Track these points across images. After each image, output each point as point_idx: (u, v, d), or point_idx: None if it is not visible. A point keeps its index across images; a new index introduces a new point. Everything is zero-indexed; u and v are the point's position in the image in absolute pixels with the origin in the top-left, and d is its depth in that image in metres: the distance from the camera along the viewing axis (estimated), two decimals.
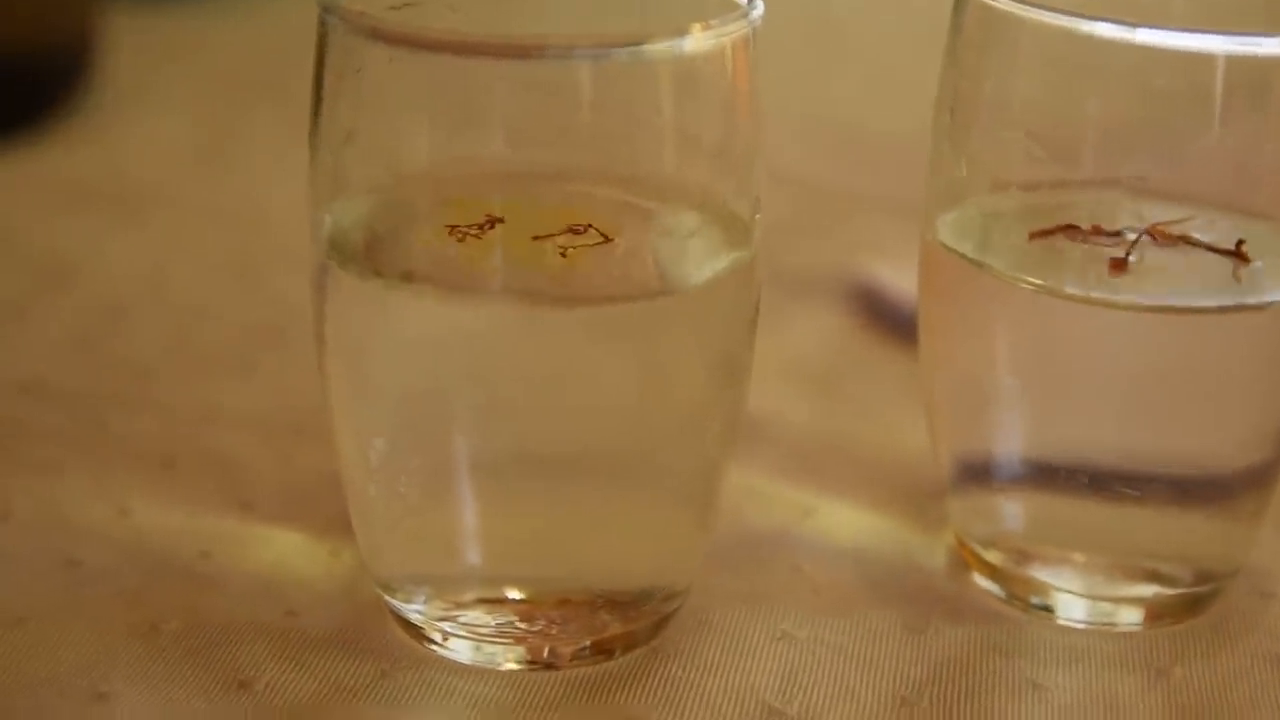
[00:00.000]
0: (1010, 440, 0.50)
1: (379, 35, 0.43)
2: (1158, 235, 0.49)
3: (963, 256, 0.49)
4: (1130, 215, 0.49)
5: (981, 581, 0.51)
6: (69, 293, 0.67)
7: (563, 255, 0.45)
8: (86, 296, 0.67)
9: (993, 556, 0.51)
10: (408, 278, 0.45)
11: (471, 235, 0.45)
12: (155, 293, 0.68)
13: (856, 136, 0.84)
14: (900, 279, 0.63)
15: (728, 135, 0.46)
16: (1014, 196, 0.50)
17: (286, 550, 0.52)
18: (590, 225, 0.45)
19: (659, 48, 0.43)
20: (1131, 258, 0.48)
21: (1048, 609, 0.50)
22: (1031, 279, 0.47)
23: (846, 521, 0.55)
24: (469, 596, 0.48)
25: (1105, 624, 0.50)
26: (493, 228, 0.45)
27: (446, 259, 0.45)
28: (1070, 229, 0.49)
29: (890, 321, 0.65)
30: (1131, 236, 0.49)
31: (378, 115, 0.45)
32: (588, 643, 0.48)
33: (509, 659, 0.48)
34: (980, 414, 0.50)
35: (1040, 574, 0.50)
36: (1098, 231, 0.49)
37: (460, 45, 0.43)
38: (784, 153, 0.76)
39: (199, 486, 0.55)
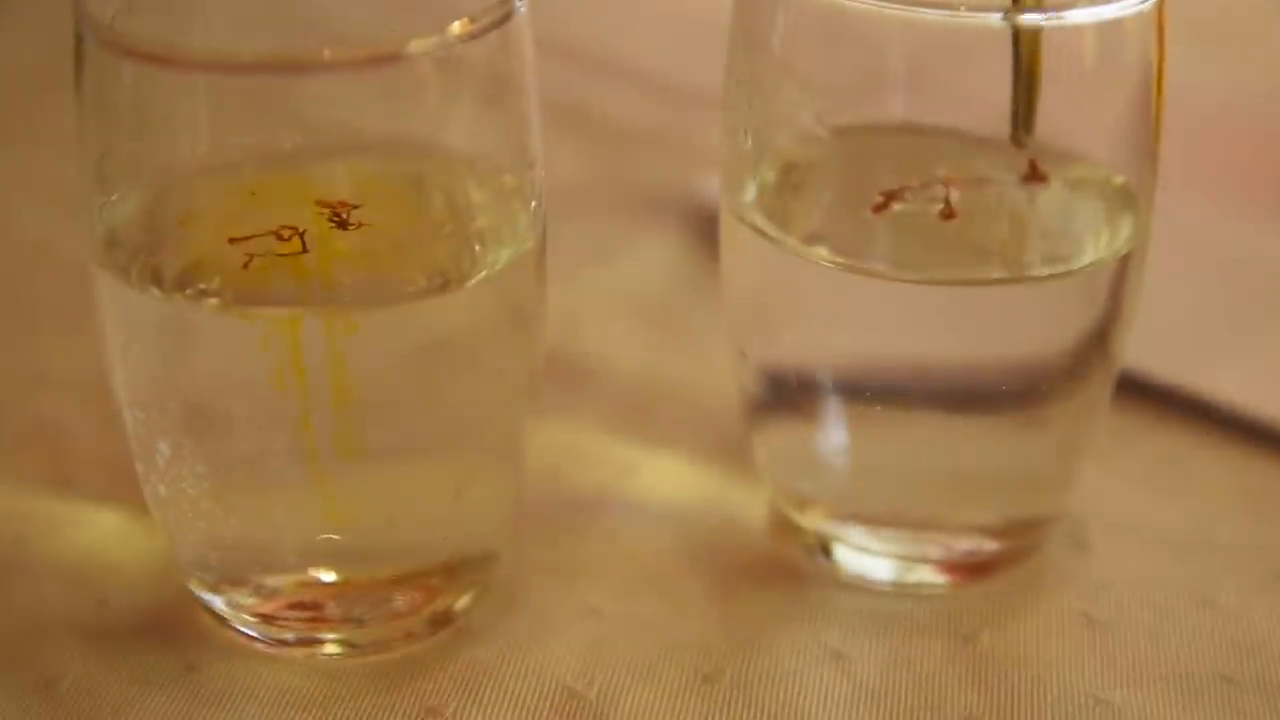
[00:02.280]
0: (804, 371, 0.51)
1: (141, 57, 0.44)
2: (956, 182, 0.50)
3: (760, 231, 0.50)
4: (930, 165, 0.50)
5: (794, 542, 0.53)
6: None
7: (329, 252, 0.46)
8: None
9: (805, 518, 0.53)
10: (181, 285, 0.46)
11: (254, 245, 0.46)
12: None
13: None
14: None
15: (502, 124, 0.47)
16: (812, 156, 0.51)
17: (103, 531, 0.54)
18: (349, 208, 0.46)
19: (417, 50, 0.44)
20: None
21: (856, 572, 0.52)
22: (825, 255, 0.49)
23: (669, 479, 0.56)
24: (273, 584, 0.50)
25: (913, 585, 0.52)
26: (290, 239, 0.46)
27: (223, 264, 0.46)
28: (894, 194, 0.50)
29: None
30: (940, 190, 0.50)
31: (143, 121, 0.46)
32: (395, 626, 0.50)
33: (315, 647, 0.49)
34: (768, 342, 0.52)
35: (844, 531, 0.52)
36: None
37: (227, 65, 0.44)
38: (642, 48, 0.76)
39: (20, 460, 0.57)
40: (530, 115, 0.47)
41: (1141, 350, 0.56)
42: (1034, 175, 0.49)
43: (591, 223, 0.69)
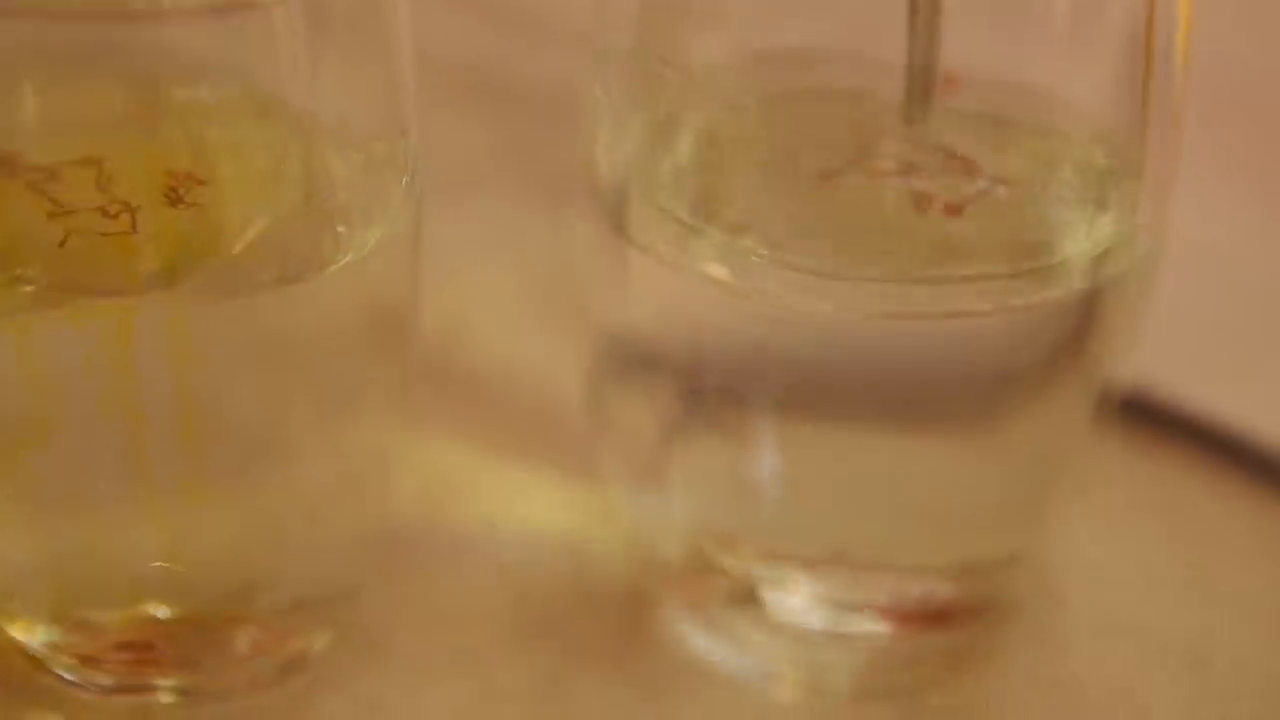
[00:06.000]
0: (727, 384, 0.51)
1: None
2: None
3: (672, 217, 0.50)
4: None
5: (714, 584, 0.53)
6: None
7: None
8: None
9: (727, 557, 0.52)
10: None
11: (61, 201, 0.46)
12: None
13: None
14: None
15: (370, 84, 0.47)
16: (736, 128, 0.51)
17: None
18: (194, 182, 0.46)
19: None
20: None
21: (786, 619, 0.52)
22: (751, 247, 0.49)
23: (567, 506, 0.56)
24: (96, 621, 0.50)
25: (851, 636, 0.52)
26: (117, 215, 0.46)
27: (40, 244, 0.46)
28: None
29: None
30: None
31: None
32: (239, 671, 0.50)
33: (145, 694, 0.50)
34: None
35: (772, 572, 0.52)
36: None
37: (45, 10, 0.43)
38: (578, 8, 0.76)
39: None
40: (404, 74, 0.47)
41: (1135, 365, 0.56)
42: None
43: (494, 203, 0.69)
